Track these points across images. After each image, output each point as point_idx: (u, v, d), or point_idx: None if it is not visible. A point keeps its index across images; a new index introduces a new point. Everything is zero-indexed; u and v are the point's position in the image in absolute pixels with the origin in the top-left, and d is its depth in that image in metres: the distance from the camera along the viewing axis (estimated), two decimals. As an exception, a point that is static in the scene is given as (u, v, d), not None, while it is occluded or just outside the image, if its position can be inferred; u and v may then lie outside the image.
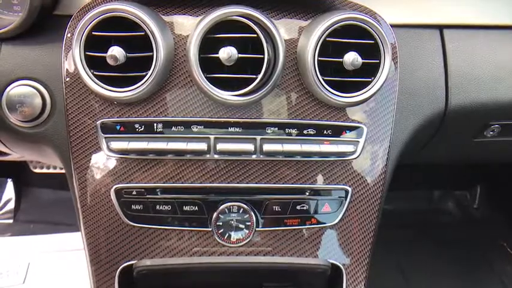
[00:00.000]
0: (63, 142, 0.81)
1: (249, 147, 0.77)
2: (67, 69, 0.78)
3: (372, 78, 0.76)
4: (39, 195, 1.82)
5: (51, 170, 1.67)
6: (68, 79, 0.78)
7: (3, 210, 1.79)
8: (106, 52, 0.72)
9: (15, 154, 1.08)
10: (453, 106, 0.89)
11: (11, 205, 1.80)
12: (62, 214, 1.73)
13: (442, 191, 1.91)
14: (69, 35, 0.78)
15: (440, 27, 0.90)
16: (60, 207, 1.76)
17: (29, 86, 0.81)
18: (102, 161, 0.79)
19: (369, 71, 0.76)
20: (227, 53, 0.71)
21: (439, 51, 0.89)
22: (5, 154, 1.15)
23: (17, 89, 0.80)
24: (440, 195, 1.92)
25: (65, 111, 0.79)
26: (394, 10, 0.87)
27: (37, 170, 1.66)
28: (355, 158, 0.80)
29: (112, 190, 0.79)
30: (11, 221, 1.78)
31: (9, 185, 1.80)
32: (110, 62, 0.71)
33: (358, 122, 0.81)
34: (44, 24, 0.83)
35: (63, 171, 1.67)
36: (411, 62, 0.86)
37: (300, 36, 0.78)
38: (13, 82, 0.80)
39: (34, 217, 1.78)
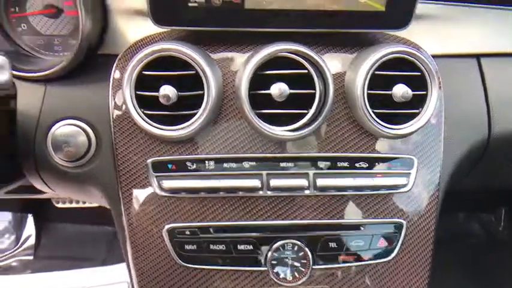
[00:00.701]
0: (109, 181, 0.80)
1: (303, 182, 0.76)
2: (115, 109, 0.78)
3: (420, 109, 0.77)
4: (60, 230, 1.79)
5: (74, 205, 1.65)
6: (116, 118, 0.78)
7: (24, 247, 1.76)
8: (155, 91, 0.73)
9: (48, 193, 1.07)
10: (496, 134, 0.88)
11: (31, 241, 1.76)
12: (83, 249, 1.70)
13: (467, 214, 1.89)
14: (117, 74, 0.78)
15: (478, 56, 0.91)
16: (81, 242, 1.73)
17: (74, 125, 0.80)
18: (154, 201, 0.77)
19: (415, 102, 0.76)
20: (279, 89, 0.71)
21: (477, 80, 0.89)
22: (34, 192, 1.13)
23: (62, 129, 0.80)
24: (464, 218, 1.90)
25: (113, 151, 0.78)
26: (430, 40, 0.88)
27: (60, 205, 1.64)
28: (407, 191, 0.79)
29: (164, 230, 0.77)
30: (31, 257, 1.74)
31: (30, 221, 1.78)
32: (163, 101, 0.71)
33: (408, 154, 0.80)
34: (87, 64, 0.83)
35: (85, 205, 1.66)
36: (451, 92, 0.87)
37: (347, 70, 0.79)
38: (58, 122, 0.80)
39: (55, 253, 1.75)
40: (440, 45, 0.89)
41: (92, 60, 0.83)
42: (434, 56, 0.83)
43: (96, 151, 0.81)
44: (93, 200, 0.89)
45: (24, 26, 0.88)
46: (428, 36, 0.88)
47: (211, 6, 0.73)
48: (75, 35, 0.89)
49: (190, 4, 0.73)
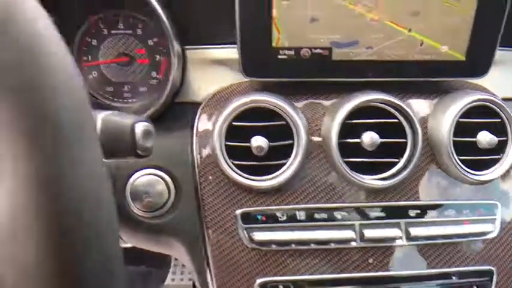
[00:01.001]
0: (191, 232, 0.78)
1: (396, 232, 0.76)
2: (200, 158, 0.77)
3: (501, 154, 0.78)
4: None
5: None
6: (202, 168, 0.77)
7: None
8: (243, 141, 0.72)
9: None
10: None
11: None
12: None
13: None
14: (202, 123, 0.78)
15: None
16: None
17: (153, 174, 0.79)
18: (243, 253, 0.76)
19: (495, 147, 0.77)
20: (371, 138, 0.72)
21: None
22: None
23: (141, 179, 0.78)
24: None
25: (198, 201, 0.77)
26: (499, 85, 0.90)
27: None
28: (494, 237, 0.79)
29: (256, 284, 0.75)
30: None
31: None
32: (256, 152, 0.71)
33: (492, 199, 0.81)
34: (164, 112, 0.83)
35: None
36: None
37: (429, 117, 0.80)
38: (137, 171, 0.79)
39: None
40: (502, 89, 0.92)
41: (169, 109, 0.83)
42: (504, 100, 0.85)
43: (175, 200, 0.79)
44: (171, 252, 0.87)
45: (95, 74, 0.88)
46: (498, 80, 0.90)
47: (300, 58, 0.74)
48: (145, 82, 0.89)
49: (280, 56, 0.74)
